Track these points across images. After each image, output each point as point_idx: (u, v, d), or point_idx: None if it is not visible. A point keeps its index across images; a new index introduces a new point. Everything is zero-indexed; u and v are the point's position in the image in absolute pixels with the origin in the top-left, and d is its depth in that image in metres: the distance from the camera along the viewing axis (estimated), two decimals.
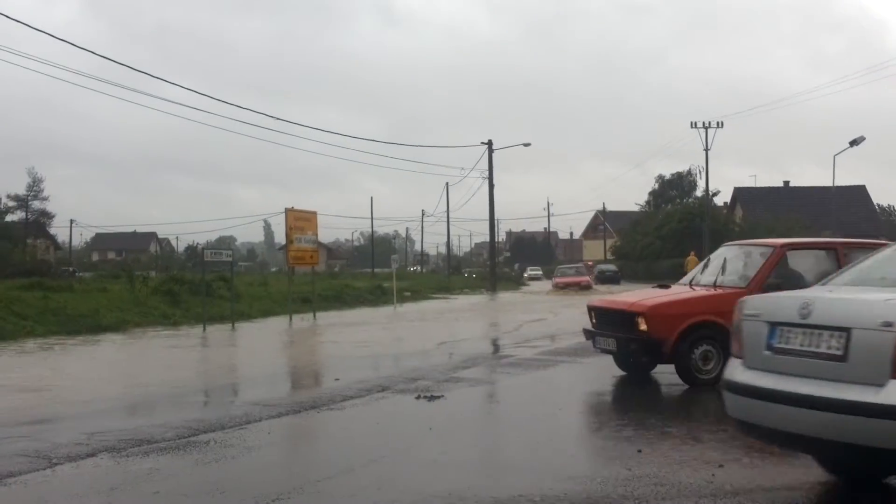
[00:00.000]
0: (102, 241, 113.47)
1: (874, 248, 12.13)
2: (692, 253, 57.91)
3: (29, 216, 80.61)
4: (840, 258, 10.22)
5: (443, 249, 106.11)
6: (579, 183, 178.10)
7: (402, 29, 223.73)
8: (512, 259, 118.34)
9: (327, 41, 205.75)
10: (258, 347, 17.62)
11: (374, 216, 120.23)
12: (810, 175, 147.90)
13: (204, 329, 20.86)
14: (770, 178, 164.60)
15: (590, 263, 70.89)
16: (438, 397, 9.47)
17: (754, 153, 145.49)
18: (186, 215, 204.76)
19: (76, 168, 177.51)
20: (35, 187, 79.54)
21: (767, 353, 5.03)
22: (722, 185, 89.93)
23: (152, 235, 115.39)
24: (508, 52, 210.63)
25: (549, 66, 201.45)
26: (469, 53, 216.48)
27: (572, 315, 22.39)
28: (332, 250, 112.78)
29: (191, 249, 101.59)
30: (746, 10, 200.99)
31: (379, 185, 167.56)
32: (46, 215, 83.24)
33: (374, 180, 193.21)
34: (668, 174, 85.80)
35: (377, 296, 36.70)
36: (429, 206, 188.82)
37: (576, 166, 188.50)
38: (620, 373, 11.22)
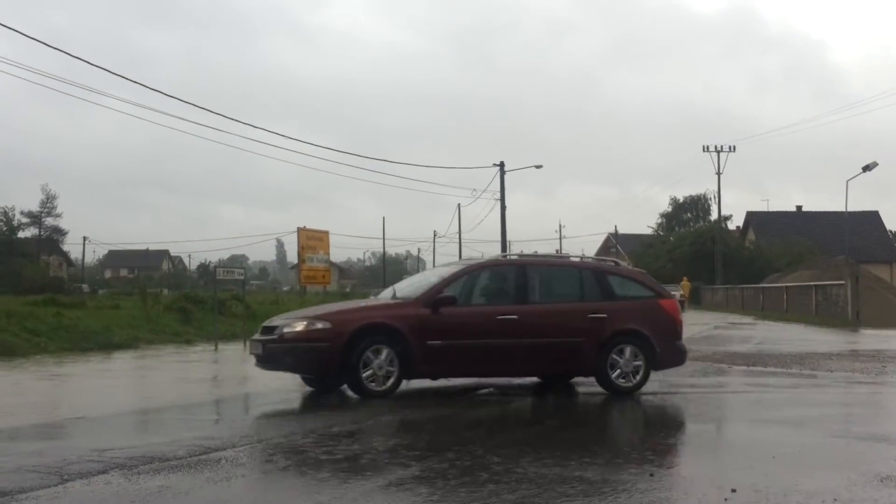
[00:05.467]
0: (115, 258, 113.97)
1: None
2: (684, 279, 58.15)
3: (42, 233, 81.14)
4: None
5: None
6: (555, 205, 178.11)
7: (335, 48, 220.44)
8: None
9: (247, 57, 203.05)
10: None
11: (385, 236, 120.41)
12: (806, 201, 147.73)
13: (216, 347, 20.89)
14: (782, 203, 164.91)
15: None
16: None
17: (761, 178, 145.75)
18: (170, 233, 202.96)
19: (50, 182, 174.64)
20: (48, 204, 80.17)
21: None
22: (735, 210, 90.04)
23: (165, 253, 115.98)
24: (441, 68, 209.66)
25: (485, 83, 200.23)
26: (405, 72, 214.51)
27: None
28: (343, 270, 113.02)
29: (203, 268, 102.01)
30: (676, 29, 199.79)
31: (386, 206, 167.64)
32: (59, 232, 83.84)
33: (381, 200, 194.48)
34: (681, 197, 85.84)
35: None
36: (438, 226, 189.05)
37: (555, 188, 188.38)
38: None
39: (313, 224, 38.10)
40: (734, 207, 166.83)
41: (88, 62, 23.89)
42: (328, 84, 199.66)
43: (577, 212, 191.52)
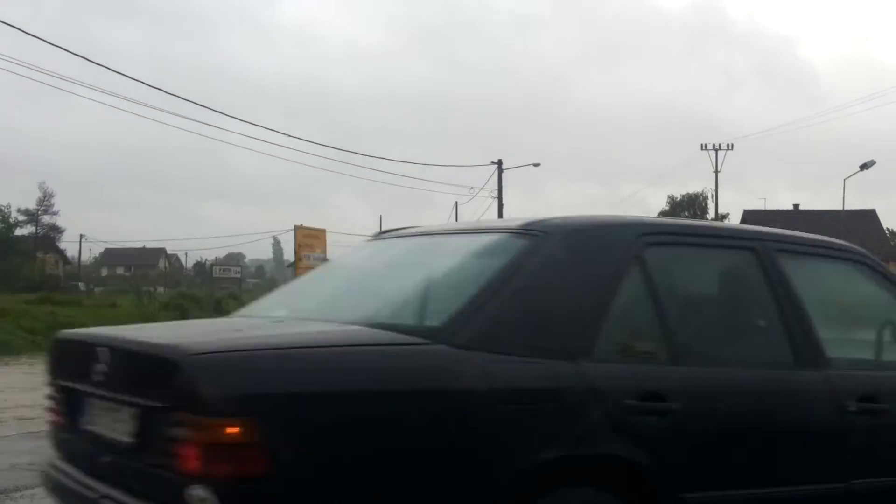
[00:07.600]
0: (112, 256, 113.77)
1: None
2: None
3: (39, 230, 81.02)
4: None
5: None
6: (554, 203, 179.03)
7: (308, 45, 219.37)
8: None
9: (220, 57, 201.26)
10: None
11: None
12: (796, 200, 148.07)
13: None
14: (772, 203, 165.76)
15: None
16: None
17: (751, 177, 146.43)
18: (167, 231, 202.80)
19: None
20: (45, 202, 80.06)
21: None
22: (730, 209, 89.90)
23: (161, 251, 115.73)
24: (406, 65, 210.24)
25: (449, 78, 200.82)
26: (361, 66, 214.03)
27: None
28: None
29: (199, 266, 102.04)
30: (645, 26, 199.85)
31: (382, 204, 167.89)
32: (56, 230, 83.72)
33: (377, 198, 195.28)
34: (678, 195, 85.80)
35: None
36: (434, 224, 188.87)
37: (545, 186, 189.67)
38: None
39: (310, 222, 38.15)
40: (729, 206, 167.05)
41: (89, 59, 23.71)
42: (308, 83, 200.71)
43: (574, 211, 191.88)
